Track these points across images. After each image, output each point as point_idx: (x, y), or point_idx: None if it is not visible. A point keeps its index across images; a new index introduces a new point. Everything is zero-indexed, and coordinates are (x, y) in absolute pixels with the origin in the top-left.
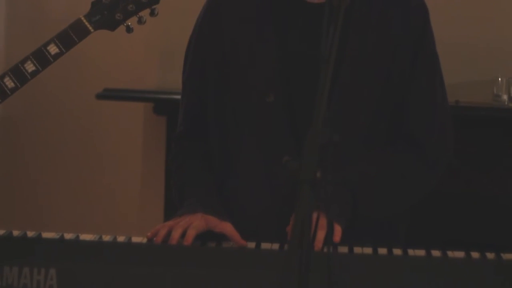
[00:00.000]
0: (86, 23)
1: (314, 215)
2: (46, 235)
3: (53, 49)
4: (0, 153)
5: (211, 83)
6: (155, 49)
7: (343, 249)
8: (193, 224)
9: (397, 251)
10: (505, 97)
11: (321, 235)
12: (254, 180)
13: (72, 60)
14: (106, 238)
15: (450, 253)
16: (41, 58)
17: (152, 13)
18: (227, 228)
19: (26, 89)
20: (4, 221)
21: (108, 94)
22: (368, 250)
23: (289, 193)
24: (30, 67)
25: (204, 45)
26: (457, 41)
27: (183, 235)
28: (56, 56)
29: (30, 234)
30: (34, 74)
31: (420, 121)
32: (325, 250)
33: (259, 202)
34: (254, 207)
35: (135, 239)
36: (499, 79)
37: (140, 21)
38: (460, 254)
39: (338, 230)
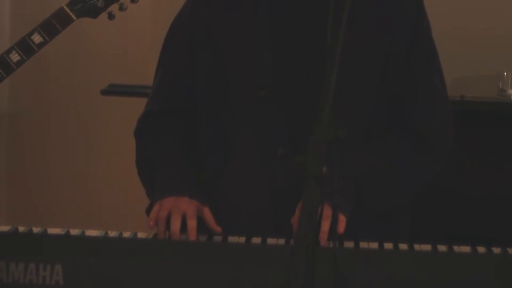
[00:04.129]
0: (69, 11)
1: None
2: (52, 231)
3: (37, 38)
4: (6, 148)
5: (202, 74)
6: (160, 45)
7: (349, 244)
8: (188, 213)
9: (403, 246)
10: (510, 91)
11: (326, 225)
12: (249, 172)
13: (77, 56)
14: (112, 234)
15: (456, 248)
16: (26, 48)
17: (133, 0)
18: (206, 212)
19: (32, 85)
20: (10, 217)
21: (113, 90)
22: (374, 245)
23: (285, 186)
24: (15, 57)
25: (194, 31)
26: (462, 35)
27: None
28: (40, 45)
29: (35, 230)
30: (19, 63)
31: (421, 110)
32: (331, 244)
33: (255, 194)
34: (250, 199)
35: (141, 235)
36: (505, 73)
37: (122, 8)
38: (466, 249)
39: (342, 221)
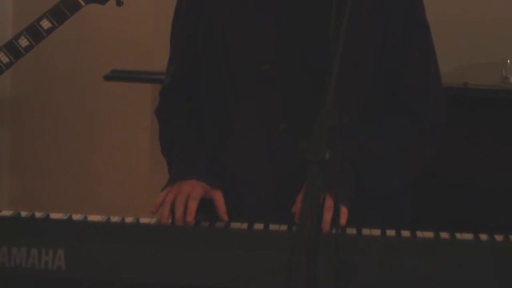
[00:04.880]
0: None
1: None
2: (54, 215)
3: (45, 24)
4: (8, 133)
5: (204, 45)
6: (163, 30)
7: (352, 231)
8: (191, 195)
9: (406, 233)
10: None
11: (328, 216)
12: (251, 145)
13: (80, 40)
14: (114, 219)
15: (458, 235)
16: (35, 33)
17: None
18: (217, 196)
19: (35, 70)
20: (12, 203)
21: (116, 75)
22: (376, 232)
23: (287, 160)
24: (24, 42)
25: (198, 6)
26: (465, 22)
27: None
28: (49, 31)
29: (38, 215)
30: (28, 49)
31: (415, 90)
32: (333, 231)
33: (256, 168)
34: (251, 172)
35: (143, 220)
36: (508, 61)
37: None
38: (468, 236)
39: (344, 212)
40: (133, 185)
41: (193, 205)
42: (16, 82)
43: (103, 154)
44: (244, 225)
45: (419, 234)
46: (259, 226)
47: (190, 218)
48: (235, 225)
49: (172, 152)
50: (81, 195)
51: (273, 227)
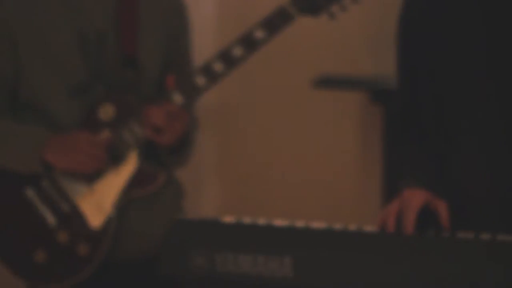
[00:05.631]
0: (290, 9)
1: None
2: (277, 222)
3: (259, 34)
4: (216, 140)
5: (423, 64)
6: (370, 34)
7: None
8: (410, 204)
9: None
10: None
11: None
12: (474, 161)
13: (287, 46)
14: (337, 226)
15: None
16: (249, 43)
17: (355, 1)
18: (440, 207)
19: (242, 76)
20: (221, 209)
21: (325, 81)
22: None
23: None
24: (238, 52)
25: (413, 20)
26: None
27: None
28: (262, 42)
29: (260, 221)
30: (241, 59)
31: None
32: None
33: (482, 185)
34: (476, 190)
35: (367, 228)
36: None
37: (343, 9)
38: None
39: None
40: (340, 195)
41: (411, 217)
42: (223, 89)
43: (310, 163)
44: (471, 234)
45: None
46: (485, 236)
47: (409, 231)
48: (461, 234)
49: (402, 170)
50: (288, 202)
51: (500, 237)
